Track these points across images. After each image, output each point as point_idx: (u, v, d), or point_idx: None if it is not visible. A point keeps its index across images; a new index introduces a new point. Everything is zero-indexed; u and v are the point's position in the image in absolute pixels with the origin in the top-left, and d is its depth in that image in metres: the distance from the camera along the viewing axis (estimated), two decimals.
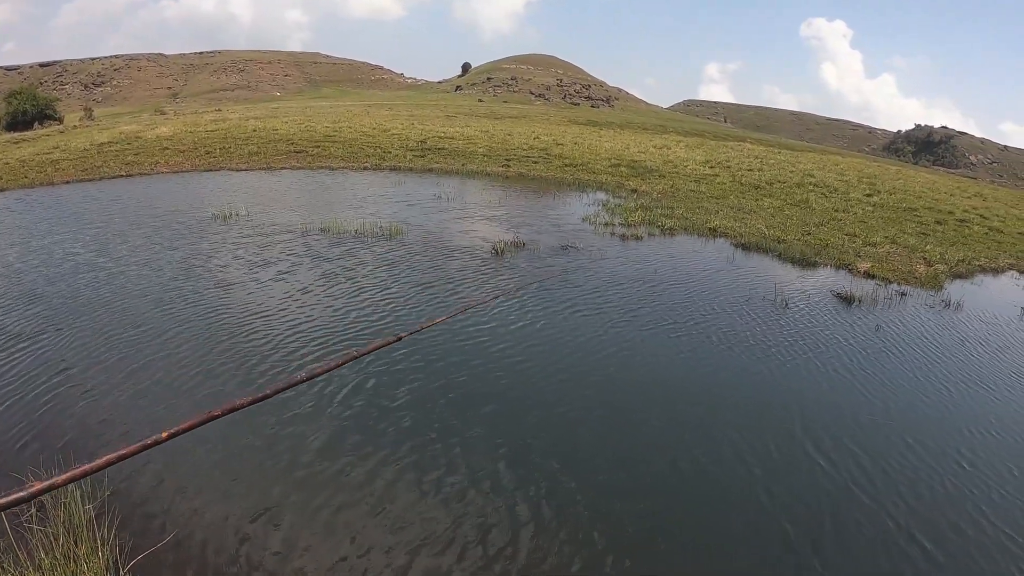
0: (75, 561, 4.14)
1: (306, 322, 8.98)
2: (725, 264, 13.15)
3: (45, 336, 8.86)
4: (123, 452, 2.13)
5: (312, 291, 10.33)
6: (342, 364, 3.04)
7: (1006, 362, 9.60)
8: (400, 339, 3.33)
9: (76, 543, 4.27)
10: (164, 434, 2.23)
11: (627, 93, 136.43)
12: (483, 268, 11.52)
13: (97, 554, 4.24)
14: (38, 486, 1.94)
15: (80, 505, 4.61)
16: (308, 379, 2.68)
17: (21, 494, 1.92)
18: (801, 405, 7.32)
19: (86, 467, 2.04)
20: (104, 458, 2.06)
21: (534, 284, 10.58)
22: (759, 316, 10.09)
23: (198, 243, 13.44)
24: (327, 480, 5.37)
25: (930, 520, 5.43)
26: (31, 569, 4.14)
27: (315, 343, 8.20)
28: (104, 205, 19.12)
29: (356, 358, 3.16)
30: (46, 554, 4.19)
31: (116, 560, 4.28)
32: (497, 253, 12.37)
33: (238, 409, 2.52)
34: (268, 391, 2.69)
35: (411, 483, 5.36)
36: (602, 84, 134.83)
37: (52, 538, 4.30)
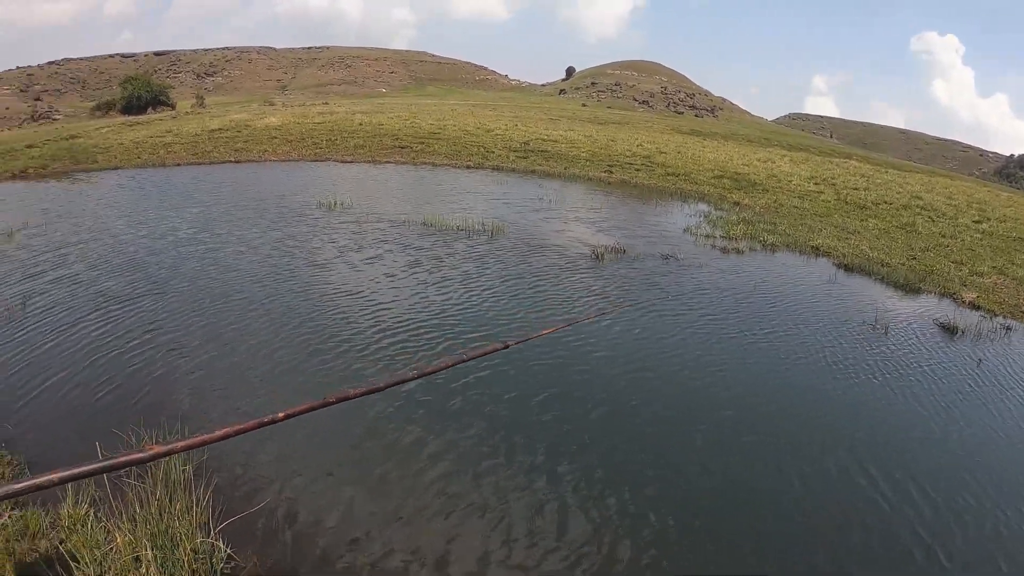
0: (168, 517, 4.33)
1: (408, 316, 9.17)
2: (826, 284, 12.91)
3: (144, 300, 9.67)
4: (241, 427, 2.24)
5: (413, 285, 10.56)
6: (452, 365, 3.11)
7: None
8: (507, 347, 3.43)
9: (171, 500, 4.46)
10: (281, 414, 2.34)
11: (731, 103, 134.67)
12: (585, 273, 11.58)
13: (191, 512, 4.44)
14: (157, 449, 2.07)
15: (178, 465, 4.82)
16: (418, 376, 2.79)
17: (140, 455, 2.05)
18: (895, 436, 7.17)
19: (205, 437, 2.16)
20: (223, 430, 2.17)
21: (635, 303, 10.54)
22: (857, 340, 9.86)
23: (303, 228, 13.93)
24: (419, 473, 5.51)
25: None
26: (124, 520, 4.35)
27: (416, 339, 8.39)
28: (213, 187, 19.86)
29: (465, 361, 3.26)
30: (140, 507, 4.39)
31: (208, 520, 4.48)
32: (598, 258, 12.41)
33: (350, 399, 2.65)
34: (381, 384, 2.81)
35: (494, 484, 5.46)
36: (706, 93, 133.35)
37: (148, 493, 4.49)
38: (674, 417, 6.85)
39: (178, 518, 4.32)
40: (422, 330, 8.68)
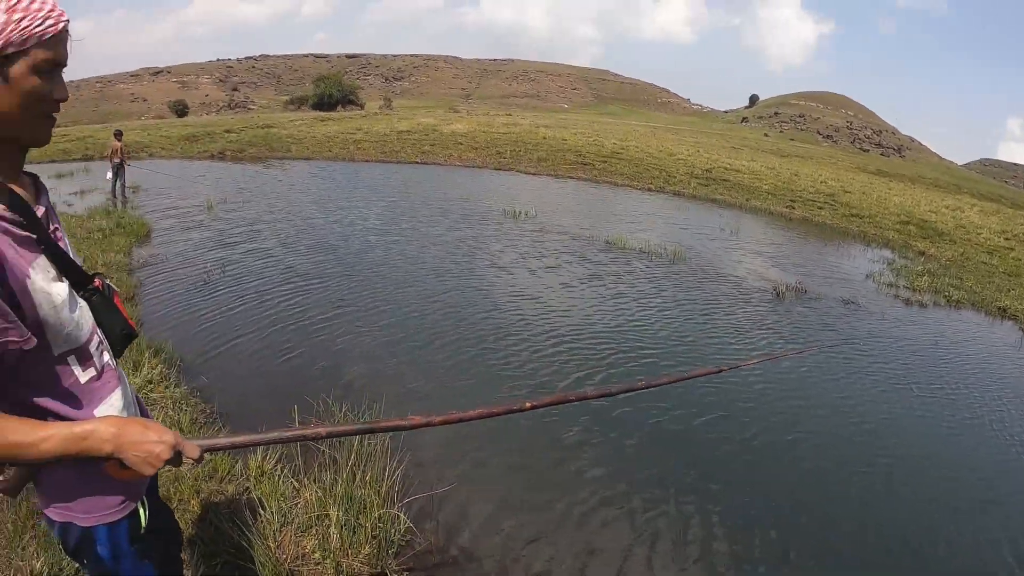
0: (353, 484, 4.59)
1: (586, 328, 9.50)
2: (1011, 349, 12.21)
3: (331, 280, 10.69)
4: (493, 410, 2.38)
5: (591, 299, 10.93)
6: (675, 381, 3.14)
7: None
8: (721, 371, 3.42)
9: (362, 471, 4.72)
10: (528, 404, 2.42)
11: (919, 143, 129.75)
12: (763, 308, 11.64)
13: (379, 483, 4.69)
14: (417, 420, 2.22)
15: (370, 438, 5.10)
16: (645, 387, 2.97)
17: (401, 422, 2.22)
18: None
19: (460, 414, 2.28)
20: (477, 411, 2.30)
21: (820, 347, 10.36)
22: None
23: (487, 232, 14.70)
24: (583, 481, 5.65)
25: None
26: (312, 479, 4.75)
27: (592, 351, 8.64)
28: (400, 185, 20.92)
29: (685, 379, 3.44)
30: (332, 469, 4.72)
31: (393, 493, 4.74)
32: (778, 296, 12.47)
33: (587, 399, 2.96)
34: (613, 389, 3.04)
35: (654, 502, 5.49)
36: (893, 131, 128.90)
37: (341, 462, 4.77)
38: (832, 465, 6.64)
39: (367, 486, 4.59)
40: (599, 343, 8.96)
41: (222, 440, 2.00)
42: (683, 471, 6.09)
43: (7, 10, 1.55)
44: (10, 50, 1.57)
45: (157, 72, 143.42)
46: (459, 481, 5.36)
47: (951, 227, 27.63)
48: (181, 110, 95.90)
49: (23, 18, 1.57)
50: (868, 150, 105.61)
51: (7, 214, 1.63)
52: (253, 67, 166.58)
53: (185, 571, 3.75)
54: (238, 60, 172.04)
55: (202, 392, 6.50)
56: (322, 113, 69.00)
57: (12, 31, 1.56)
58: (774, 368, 8.86)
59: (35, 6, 1.60)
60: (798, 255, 17.52)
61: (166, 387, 6.29)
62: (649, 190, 26.41)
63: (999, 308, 14.97)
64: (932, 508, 6.18)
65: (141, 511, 2.08)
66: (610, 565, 4.75)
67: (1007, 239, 27.25)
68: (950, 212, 33.50)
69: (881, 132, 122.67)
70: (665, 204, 23.38)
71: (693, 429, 6.94)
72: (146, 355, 6.62)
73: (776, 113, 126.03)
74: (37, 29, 1.59)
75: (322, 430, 2.14)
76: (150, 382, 6.21)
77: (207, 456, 2.22)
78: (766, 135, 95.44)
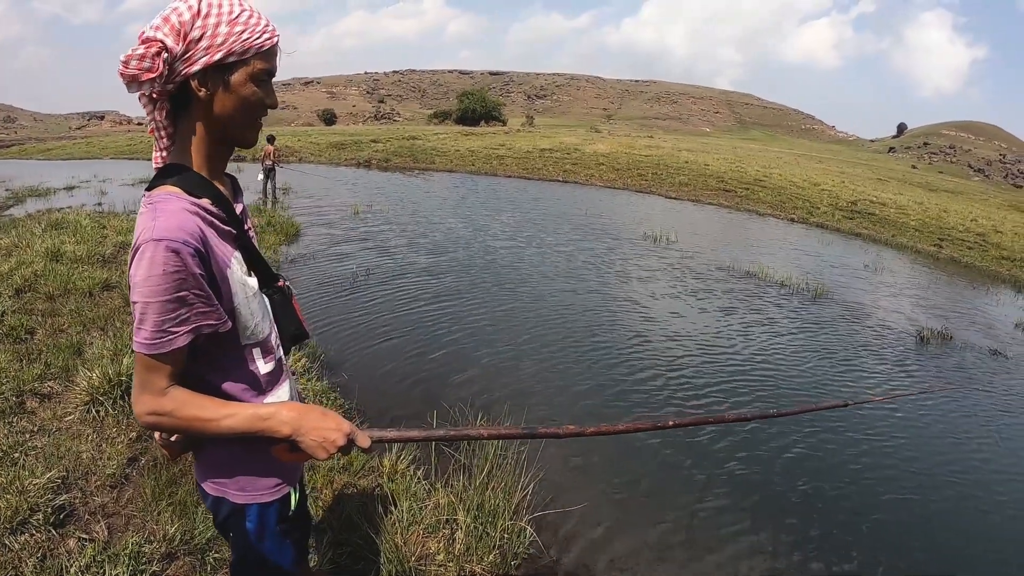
0: (485, 493, 4.65)
1: (716, 359, 9.39)
2: None
3: (478, 291, 10.98)
4: (640, 425, 2.44)
5: (726, 331, 10.76)
6: (795, 413, 3.19)
7: None
8: (846, 405, 3.40)
9: (493, 481, 4.80)
10: (671, 422, 2.52)
11: None
12: (904, 352, 11.21)
13: (510, 494, 4.77)
14: (571, 429, 2.28)
15: (502, 450, 5.18)
16: (777, 415, 2.97)
17: (556, 430, 2.28)
18: None
19: (608, 428, 2.38)
20: (625, 424, 2.39)
21: (953, 392, 9.97)
22: None
23: (628, 254, 14.70)
24: (701, 512, 5.56)
25: None
26: (440, 486, 4.87)
27: (717, 382, 8.52)
28: (547, 205, 21.05)
29: (805, 411, 3.44)
30: (465, 476, 4.83)
31: (523, 506, 4.81)
32: (922, 340, 12.09)
33: (724, 422, 2.96)
34: (747, 414, 3.10)
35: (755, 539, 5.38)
36: None
37: (475, 469, 4.90)
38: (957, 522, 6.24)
39: (497, 496, 4.66)
40: (735, 374, 8.87)
41: (391, 433, 2.09)
42: (807, 508, 5.96)
43: (230, 22, 1.72)
44: (232, 59, 1.74)
45: (308, 82, 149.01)
46: (587, 500, 5.36)
47: None
48: (329, 118, 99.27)
49: (244, 31, 1.74)
50: (1022, 186, 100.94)
51: (213, 208, 1.78)
52: (399, 80, 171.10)
53: (313, 555, 3.91)
54: (385, 73, 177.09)
55: (342, 388, 6.79)
56: (465, 128, 70.46)
57: (235, 42, 1.73)
58: (904, 414, 8.56)
59: (254, 20, 1.76)
60: (944, 298, 16.90)
61: (308, 380, 6.59)
62: (792, 220, 25.95)
63: None
64: None
65: (292, 496, 2.20)
66: None
67: None
68: None
69: None
70: (808, 236, 22.91)
71: (821, 462, 6.80)
72: (293, 348, 6.92)
73: (925, 144, 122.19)
74: (256, 41, 1.77)
75: (484, 431, 2.31)
76: (293, 373, 6.44)
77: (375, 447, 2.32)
78: (914, 167, 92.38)
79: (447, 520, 4.51)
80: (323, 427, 1.85)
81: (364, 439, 1.95)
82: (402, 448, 5.32)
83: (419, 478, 5.01)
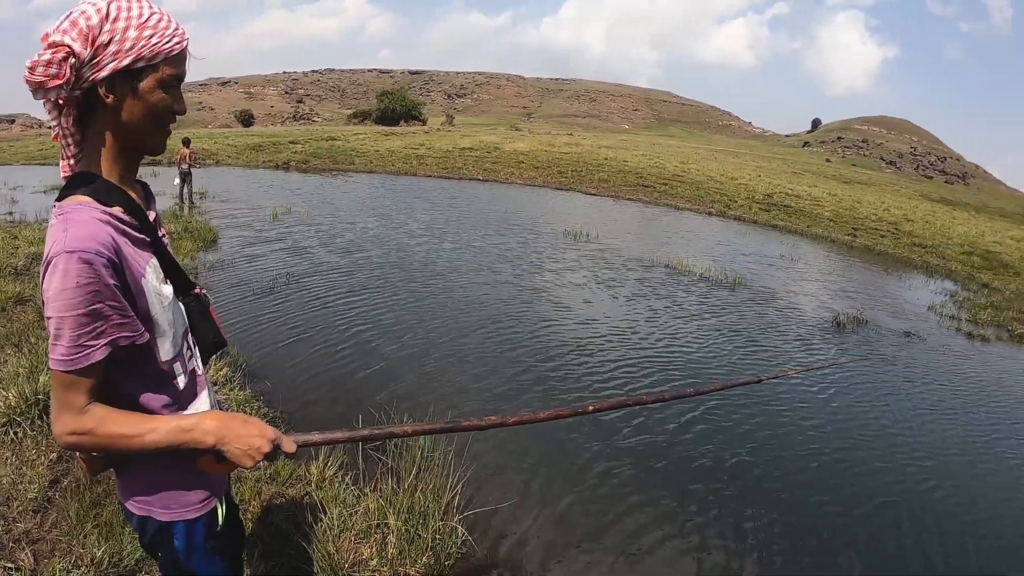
0: (414, 495, 4.62)
1: (641, 349, 9.53)
2: None
3: (395, 292, 10.62)
4: (560, 412, 2.46)
5: (662, 326, 10.84)
6: (719, 389, 3.29)
7: None
8: (760, 381, 3.38)
9: (423, 482, 4.76)
10: (591, 407, 2.52)
11: (984, 171, 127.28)
12: (823, 337, 11.51)
13: (440, 494, 4.76)
14: (492, 420, 2.30)
15: (430, 450, 5.17)
16: (695, 394, 2.98)
17: (480, 423, 2.29)
18: None
19: (531, 415, 2.39)
20: (546, 413, 2.39)
21: (867, 368, 10.40)
22: None
23: (553, 254, 14.63)
24: (628, 495, 5.65)
25: None
26: (370, 491, 4.83)
27: (665, 373, 8.67)
28: (464, 203, 21.06)
29: (721, 389, 3.52)
30: (392, 479, 4.79)
31: (453, 506, 4.81)
32: (839, 326, 12.38)
33: (642, 404, 2.96)
34: (667, 395, 2.98)
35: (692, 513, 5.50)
36: (958, 158, 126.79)
37: (404, 470, 4.84)
38: (867, 491, 6.54)
39: (427, 497, 4.64)
40: (647, 360, 9.07)
41: (316, 436, 2.06)
42: (727, 481, 6.21)
43: (139, 27, 1.68)
44: (140, 64, 1.71)
45: (225, 83, 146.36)
46: (516, 496, 5.42)
47: (1017, 259, 27.05)
48: (247, 120, 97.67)
49: (153, 35, 1.71)
50: (932, 177, 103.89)
51: (125, 217, 1.75)
52: (318, 80, 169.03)
53: (245, 569, 3.86)
54: (304, 73, 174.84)
55: (266, 395, 6.68)
56: (385, 128, 70.05)
57: (143, 47, 1.69)
58: (826, 393, 8.91)
59: (163, 24, 1.73)
60: (860, 285, 17.33)
61: (231, 389, 6.46)
62: (710, 214, 26.37)
63: None
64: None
65: (220, 509, 2.16)
66: None
67: None
68: (1016, 243, 32.77)
69: (945, 159, 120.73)
70: (726, 228, 23.31)
71: (739, 439, 7.09)
72: (212, 357, 6.79)
73: (839, 138, 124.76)
74: (165, 46, 1.73)
75: (408, 428, 2.26)
76: (215, 384, 6.37)
77: (301, 451, 2.29)
78: (828, 160, 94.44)
79: (378, 525, 4.48)
80: (247, 434, 1.83)
81: (289, 444, 1.93)
82: (329, 454, 5.28)
83: (348, 484, 4.98)
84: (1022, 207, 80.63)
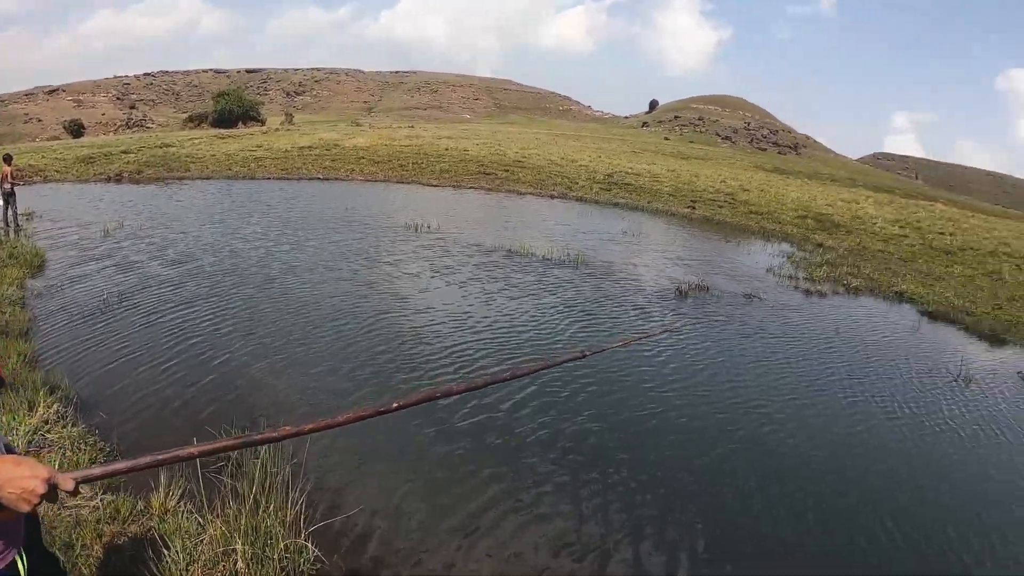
0: (260, 515, 4.48)
1: (491, 334, 9.49)
2: (909, 332, 12.83)
3: (235, 301, 10.12)
4: (362, 413, 2.33)
5: (497, 306, 10.85)
6: (539, 370, 3.22)
7: None
8: (584, 356, 3.42)
9: (266, 501, 4.59)
10: (395, 404, 2.40)
11: (814, 141, 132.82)
12: (666, 307, 11.73)
13: (283, 512, 4.58)
14: (288, 430, 2.17)
15: (271, 467, 4.92)
16: (510, 378, 2.94)
17: (274, 435, 2.17)
18: (970, 494, 6.87)
19: (330, 421, 2.26)
20: (345, 416, 2.27)
21: (708, 330, 10.74)
22: (939, 391, 9.59)
23: (392, 248, 14.27)
24: (476, 477, 5.71)
25: None
26: (217, 514, 4.58)
27: (496, 354, 8.71)
28: (304, 203, 20.50)
29: (550, 367, 3.42)
30: (234, 503, 4.57)
31: (299, 522, 4.60)
32: (681, 294, 12.53)
33: (454, 394, 2.85)
34: (479, 383, 2.97)
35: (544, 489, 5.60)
36: (790, 130, 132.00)
37: (244, 492, 4.64)
38: (717, 449, 6.83)
39: (271, 516, 4.49)
40: (492, 345, 9.05)
41: (96, 470, 1.90)
42: (567, 450, 6.33)
43: None
44: None
45: (52, 91, 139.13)
46: (361, 497, 5.31)
47: (847, 219, 28.37)
48: (77, 130, 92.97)
49: None
50: (766, 149, 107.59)
51: None
52: (151, 83, 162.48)
53: None
54: (136, 77, 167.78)
55: (101, 429, 6.18)
56: (222, 130, 67.82)
57: None
58: (673, 363, 9.09)
59: None
60: (701, 254, 17.73)
61: (63, 427, 5.98)
62: (552, 197, 26.45)
63: (896, 292, 15.52)
64: (830, 485, 6.41)
65: (19, 561, 1.97)
66: (502, 560, 4.80)
67: (901, 227, 28.16)
68: (846, 205, 34.34)
69: (778, 132, 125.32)
70: (568, 210, 23.44)
71: (578, 408, 7.23)
72: (41, 394, 6.28)
73: (676, 117, 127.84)
74: None
75: (194, 450, 2.04)
76: (46, 422, 5.91)
77: (83, 488, 2.01)
78: (666, 139, 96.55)
79: (225, 551, 4.28)
80: (19, 477, 1.64)
81: (67, 482, 1.73)
82: (170, 483, 4.98)
83: (192, 512, 4.73)
84: (850, 172, 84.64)
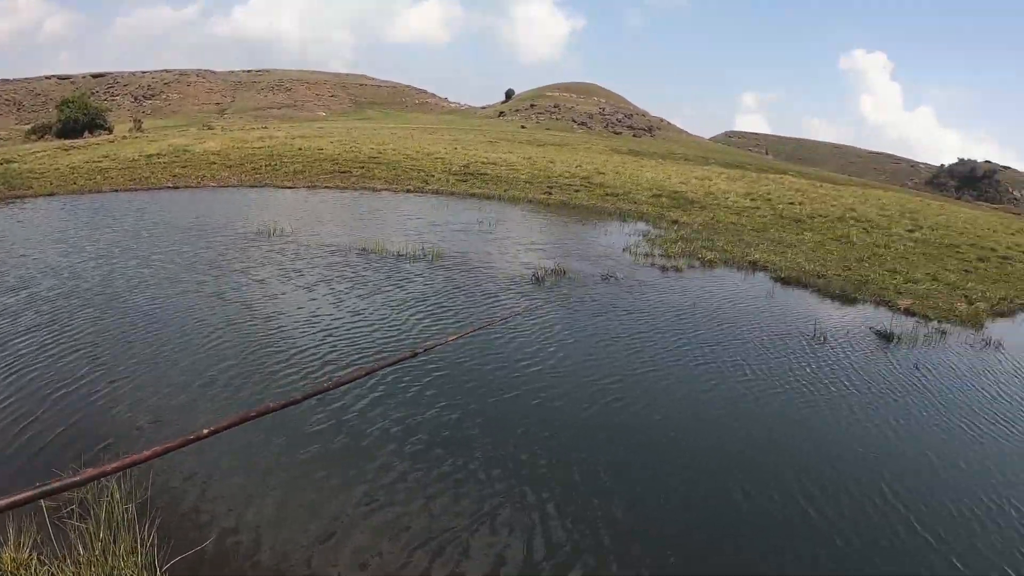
0: (113, 558, 4.22)
1: (338, 335, 9.22)
2: (764, 298, 13.17)
3: (74, 329, 9.33)
4: (169, 445, 2.19)
5: (345, 307, 10.54)
6: (365, 375, 3.09)
7: None
8: (415, 355, 3.31)
9: (115, 540, 4.35)
10: (205, 431, 2.27)
11: (668, 123, 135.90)
12: (524, 295, 11.63)
13: (135, 553, 4.32)
14: (90, 472, 2.03)
15: (121, 504, 4.70)
16: (333, 387, 2.75)
17: (76, 479, 2.00)
18: (825, 446, 7.20)
19: (135, 457, 2.10)
20: (151, 450, 2.13)
21: (565, 315, 10.70)
22: (794, 352, 9.99)
23: (241, 256, 13.70)
24: (342, 483, 5.55)
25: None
26: (68, 563, 4.26)
27: (343, 354, 8.43)
28: (152, 214, 19.59)
29: (377, 371, 3.24)
30: (84, 549, 4.30)
31: (154, 560, 4.36)
32: (538, 280, 12.44)
33: (271, 412, 2.62)
34: (299, 396, 2.80)
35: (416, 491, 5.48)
36: (644, 114, 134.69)
37: (91, 535, 4.39)
38: (587, 429, 6.89)
39: (123, 559, 4.24)
40: (344, 345, 8.78)
41: None
42: (421, 441, 6.27)
43: None
44: None
45: None
46: (216, 526, 5.01)
47: (701, 195, 29.03)
48: None
49: None
50: (621, 133, 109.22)
51: None
52: None
53: None
54: None
55: None
56: (68, 141, 64.75)
57: None
58: (527, 342, 9.09)
59: None
60: (557, 238, 17.79)
61: None
62: (408, 192, 26.07)
63: (750, 262, 15.88)
64: (694, 453, 6.56)
65: None
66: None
67: (752, 200, 29.03)
68: (699, 182, 35.13)
69: (632, 115, 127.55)
70: (424, 204, 23.14)
71: (425, 407, 6.95)
72: None
73: (532, 105, 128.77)
74: None
75: None
76: None
77: None
78: (523, 127, 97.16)
79: None
80: None
81: None
82: (20, 533, 4.52)
83: (45, 561, 4.34)
84: (702, 150, 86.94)
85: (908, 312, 13.07)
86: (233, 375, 7.78)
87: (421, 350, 3.21)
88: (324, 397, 6.83)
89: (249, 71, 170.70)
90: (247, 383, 7.56)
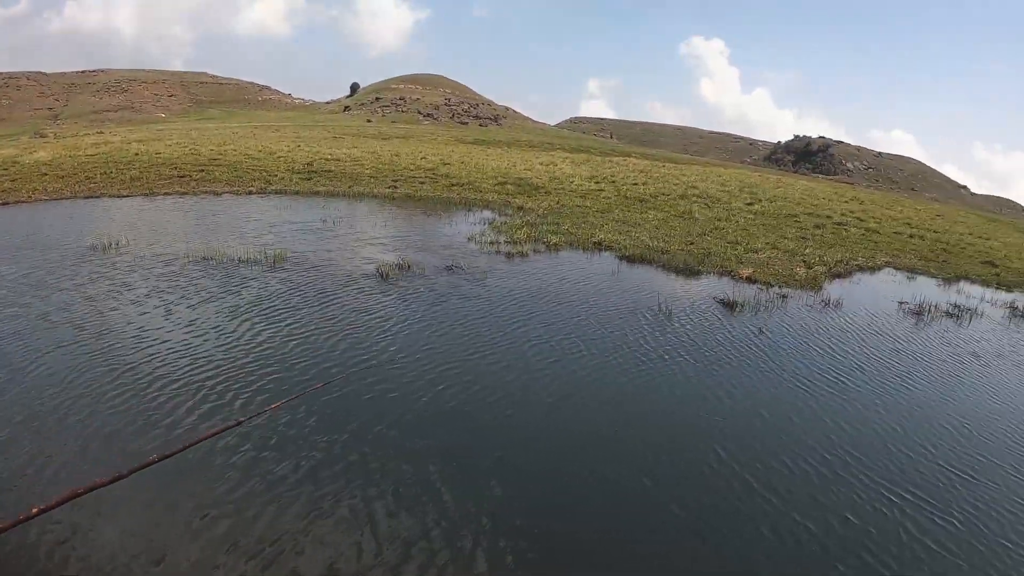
0: None
1: (168, 347, 8.81)
2: (610, 277, 13.43)
3: None
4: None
5: (176, 319, 10.11)
6: (187, 447, 2.96)
7: (884, 350, 10.31)
8: (239, 423, 3.22)
9: None
10: (34, 509, 2.24)
11: (515, 111, 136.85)
12: (366, 293, 11.48)
13: None
14: None
15: None
16: (161, 459, 2.61)
17: None
18: (680, 412, 7.46)
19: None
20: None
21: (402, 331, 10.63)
22: (642, 326, 10.28)
23: (73, 276, 13.01)
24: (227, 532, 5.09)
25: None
26: None
27: (174, 367, 8.11)
28: None
29: (195, 444, 3.07)
30: None
31: None
32: (383, 277, 12.31)
33: (99, 487, 2.51)
34: (125, 472, 2.69)
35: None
36: (490, 103, 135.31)
37: None
38: (446, 413, 6.99)
39: None
40: (172, 360, 8.40)
41: None
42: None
43: None
44: None
45: None
46: None
47: (546, 180, 29.38)
48: None
49: None
50: (467, 123, 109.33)
51: None
52: None
53: None
54: None
55: None
56: None
57: None
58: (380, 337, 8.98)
59: None
60: (403, 233, 17.65)
61: None
62: (251, 193, 25.40)
63: (595, 243, 16.24)
64: (555, 429, 6.59)
65: None
66: None
67: (596, 183, 29.59)
68: (544, 167, 35.56)
69: (478, 105, 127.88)
70: (267, 205, 22.58)
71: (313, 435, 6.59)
72: None
73: (377, 99, 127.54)
74: None
75: None
76: None
77: None
78: (369, 121, 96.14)
79: None
80: None
81: None
82: None
83: None
84: (548, 137, 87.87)
85: (750, 280, 13.64)
86: (47, 412, 7.11)
87: (245, 420, 3.10)
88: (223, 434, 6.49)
89: (83, 71, 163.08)
90: (73, 408, 7.09)
